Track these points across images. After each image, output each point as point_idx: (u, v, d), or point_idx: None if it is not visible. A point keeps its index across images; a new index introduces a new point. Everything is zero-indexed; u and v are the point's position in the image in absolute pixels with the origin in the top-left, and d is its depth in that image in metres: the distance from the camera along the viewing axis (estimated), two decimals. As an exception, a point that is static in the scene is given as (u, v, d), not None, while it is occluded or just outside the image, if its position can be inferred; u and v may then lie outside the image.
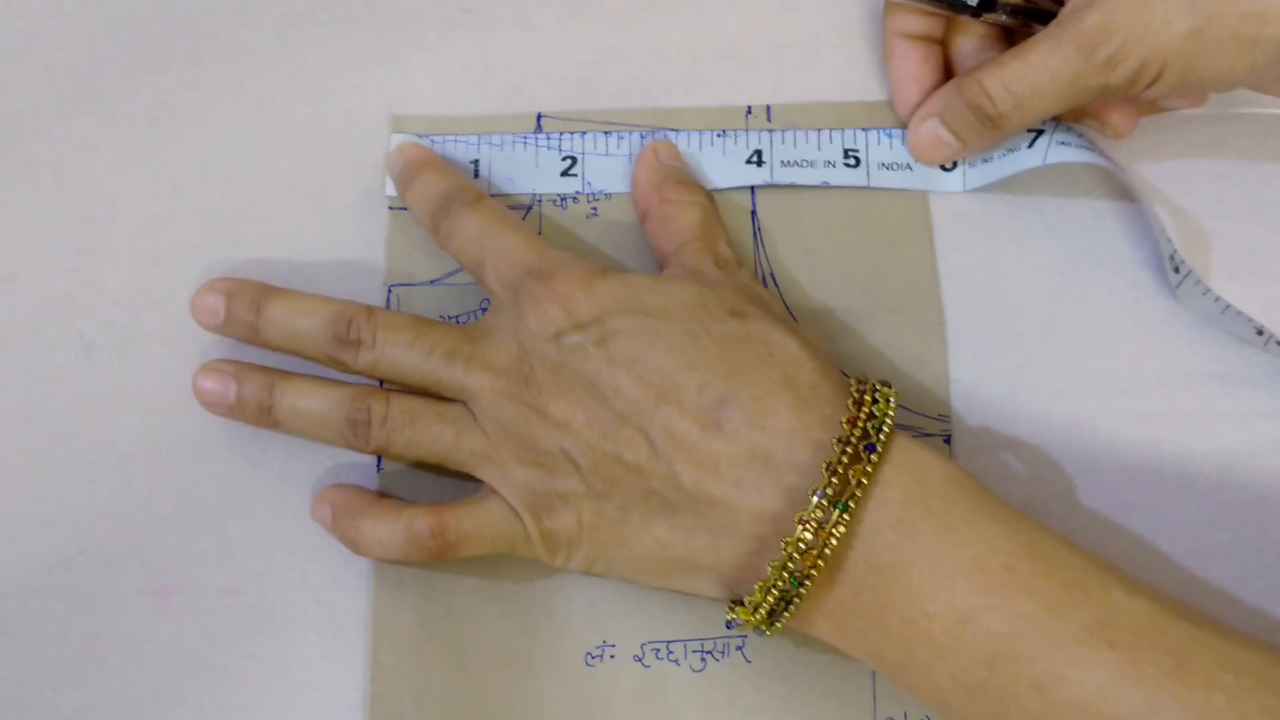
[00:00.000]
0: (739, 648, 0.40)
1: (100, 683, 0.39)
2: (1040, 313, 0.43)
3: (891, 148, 0.45)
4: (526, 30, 0.47)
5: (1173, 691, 0.31)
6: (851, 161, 0.45)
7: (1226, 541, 0.41)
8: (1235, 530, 0.41)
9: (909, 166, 0.45)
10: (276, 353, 0.41)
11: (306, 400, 0.39)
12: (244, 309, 0.40)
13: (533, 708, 0.39)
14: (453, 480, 0.41)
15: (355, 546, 0.39)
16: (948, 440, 0.42)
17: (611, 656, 0.40)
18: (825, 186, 0.44)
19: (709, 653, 0.40)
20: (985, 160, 0.44)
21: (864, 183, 0.44)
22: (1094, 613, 0.33)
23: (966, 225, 0.44)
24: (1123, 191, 0.45)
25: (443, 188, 0.41)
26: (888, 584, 0.34)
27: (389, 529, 0.38)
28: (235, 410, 0.40)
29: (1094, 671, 0.32)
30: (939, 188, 0.45)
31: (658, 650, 0.40)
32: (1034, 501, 0.41)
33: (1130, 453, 0.42)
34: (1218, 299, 0.42)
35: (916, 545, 0.34)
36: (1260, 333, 0.41)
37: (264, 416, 0.40)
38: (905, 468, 0.35)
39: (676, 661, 0.40)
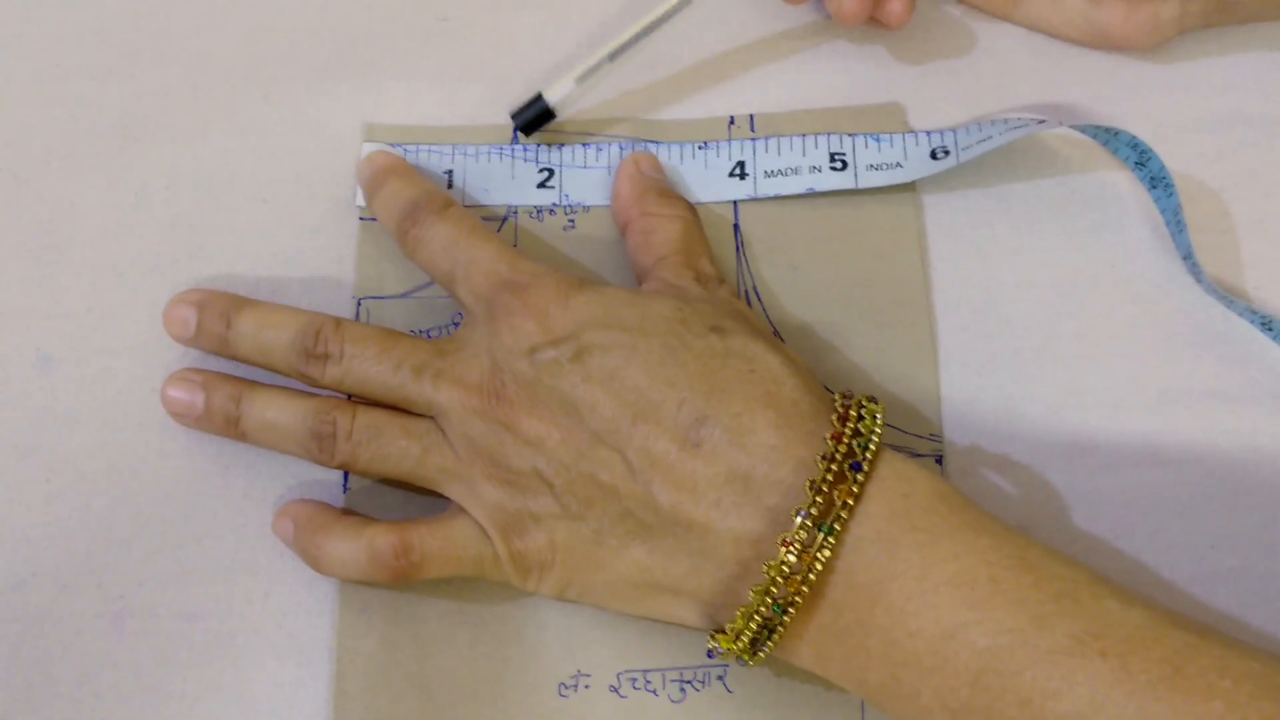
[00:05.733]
0: (720, 677, 0.39)
1: (53, 709, 0.38)
2: (1036, 328, 0.42)
3: (880, 150, 0.43)
4: (504, 39, 0.46)
5: (1169, 700, 0.30)
6: (838, 165, 0.43)
7: (1233, 566, 0.40)
8: (1241, 555, 0.40)
9: (899, 165, 0.43)
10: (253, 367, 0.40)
11: (273, 412, 0.39)
12: (214, 321, 0.40)
13: (503, 740, 0.38)
14: (423, 500, 0.39)
15: (316, 565, 0.38)
16: (939, 460, 0.41)
17: (586, 686, 0.38)
18: (811, 193, 0.43)
19: (689, 682, 0.39)
20: (982, 140, 0.42)
21: (852, 184, 0.43)
22: (1085, 623, 0.31)
23: (959, 237, 0.43)
24: (1120, 204, 0.44)
25: (410, 195, 0.40)
26: (870, 603, 0.33)
27: (351, 546, 0.37)
28: (203, 421, 0.39)
29: (1085, 683, 0.30)
30: (931, 173, 0.43)
31: (635, 680, 0.38)
32: (1029, 524, 0.40)
33: (1130, 474, 0.41)
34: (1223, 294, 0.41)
35: (898, 561, 0.33)
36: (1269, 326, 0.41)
37: (231, 428, 0.39)
38: (889, 482, 0.34)
39: (655, 692, 0.38)
